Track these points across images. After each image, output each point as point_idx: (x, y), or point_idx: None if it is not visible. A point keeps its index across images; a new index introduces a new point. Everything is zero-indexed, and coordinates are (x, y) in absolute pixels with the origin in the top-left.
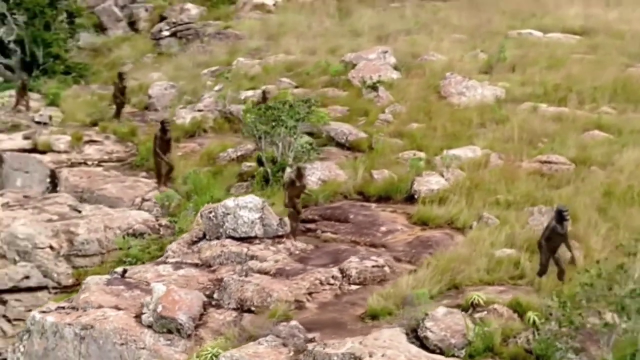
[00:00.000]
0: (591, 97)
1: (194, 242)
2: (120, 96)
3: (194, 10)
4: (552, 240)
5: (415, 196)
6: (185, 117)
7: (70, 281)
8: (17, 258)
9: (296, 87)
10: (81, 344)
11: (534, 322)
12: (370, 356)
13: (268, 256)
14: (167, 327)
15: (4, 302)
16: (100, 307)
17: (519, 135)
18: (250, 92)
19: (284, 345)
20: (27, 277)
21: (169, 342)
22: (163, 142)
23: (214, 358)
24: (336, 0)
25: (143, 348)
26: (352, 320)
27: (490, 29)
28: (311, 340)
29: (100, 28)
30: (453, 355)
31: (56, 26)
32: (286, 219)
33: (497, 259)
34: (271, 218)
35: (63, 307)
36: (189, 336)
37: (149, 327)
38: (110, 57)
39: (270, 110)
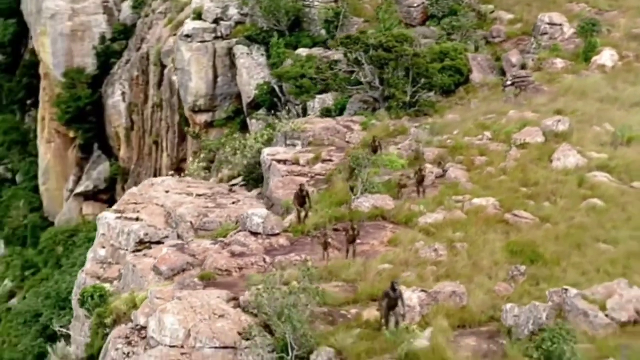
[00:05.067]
0: None
1: (239, 231)
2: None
3: (560, 64)
4: (389, 301)
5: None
6: (391, 151)
7: None
8: (173, 225)
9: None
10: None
11: None
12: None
13: (250, 244)
14: (157, 272)
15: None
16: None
17: (536, 192)
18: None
19: (180, 288)
20: (166, 237)
21: (157, 279)
22: (299, 197)
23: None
24: None
25: (146, 282)
26: (243, 284)
27: None
28: (196, 288)
29: (501, 70)
30: None
31: (414, 71)
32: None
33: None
34: (268, 222)
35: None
36: (166, 279)
37: (152, 270)
38: (464, 97)
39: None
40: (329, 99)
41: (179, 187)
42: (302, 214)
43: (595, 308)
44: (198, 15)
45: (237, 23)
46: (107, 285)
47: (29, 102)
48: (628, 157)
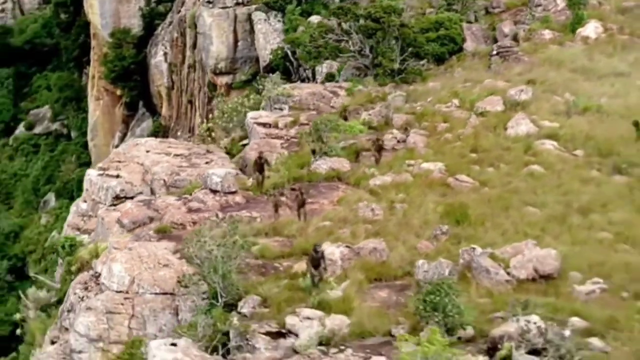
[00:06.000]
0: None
1: (203, 190)
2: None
3: (548, 35)
4: (312, 261)
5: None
6: (361, 116)
7: None
8: (148, 183)
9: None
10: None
11: None
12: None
13: (208, 201)
14: (119, 224)
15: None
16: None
17: (482, 158)
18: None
19: (136, 240)
20: (140, 193)
21: (121, 231)
22: (258, 164)
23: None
24: None
25: (111, 233)
26: None
27: None
28: (150, 240)
29: (494, 40)
30: None
31: (403, 40)
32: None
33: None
34: (226, 181)
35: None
36: (128, 231)
37: (117, 222)
38: (453, 66)
39: (315, 124)
40: (336, 64)
41: (160, 148)
42: (260, 179)
43: (497, 266)
44: None
45: None
46: (85, 237)
47: (84, 59)
48: (577, 126)
